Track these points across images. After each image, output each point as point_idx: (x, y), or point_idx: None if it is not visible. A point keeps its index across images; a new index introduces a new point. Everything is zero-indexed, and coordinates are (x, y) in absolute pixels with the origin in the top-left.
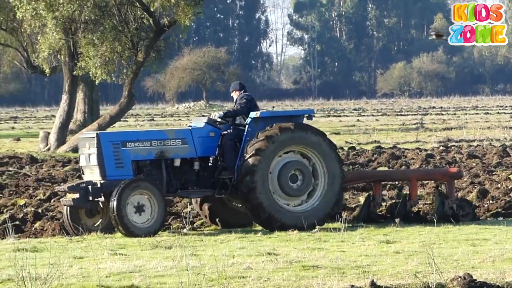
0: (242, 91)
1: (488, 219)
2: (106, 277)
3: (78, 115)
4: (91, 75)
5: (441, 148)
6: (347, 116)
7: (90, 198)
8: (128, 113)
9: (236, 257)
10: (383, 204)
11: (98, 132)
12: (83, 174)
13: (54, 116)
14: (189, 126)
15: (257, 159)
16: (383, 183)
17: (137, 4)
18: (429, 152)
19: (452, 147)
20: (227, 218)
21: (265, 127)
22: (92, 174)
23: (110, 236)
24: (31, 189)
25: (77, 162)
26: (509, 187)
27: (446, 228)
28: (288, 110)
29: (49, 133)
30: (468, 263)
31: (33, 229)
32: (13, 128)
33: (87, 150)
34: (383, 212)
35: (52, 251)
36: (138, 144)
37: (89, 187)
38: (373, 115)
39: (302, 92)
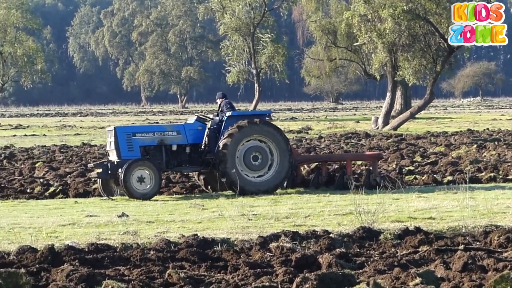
0: (224, 99)
1: None
2: (414, 211)
3: (397, 106)
4: (406, 80)
5: None
6: None
7: (109, 172)
8: (429, 106)
9: (499, 199)
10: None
11: (115, 126)
12: (108, 155)
13: (381, 107)
14: (184, 122)
15: (229, 141)
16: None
17: (436, 34)
18: None
19: None
20: (214, 186)
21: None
22: (113, 155)
23: (422, 187)
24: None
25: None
26: None
27: None
28: (254, 111)
29: (377, 118)
30: None
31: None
32: (354, 114)
33: (109, 139)
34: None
35: (378, 195)
36: (144, 135)
37: (109, 164)
38: None
39: None
